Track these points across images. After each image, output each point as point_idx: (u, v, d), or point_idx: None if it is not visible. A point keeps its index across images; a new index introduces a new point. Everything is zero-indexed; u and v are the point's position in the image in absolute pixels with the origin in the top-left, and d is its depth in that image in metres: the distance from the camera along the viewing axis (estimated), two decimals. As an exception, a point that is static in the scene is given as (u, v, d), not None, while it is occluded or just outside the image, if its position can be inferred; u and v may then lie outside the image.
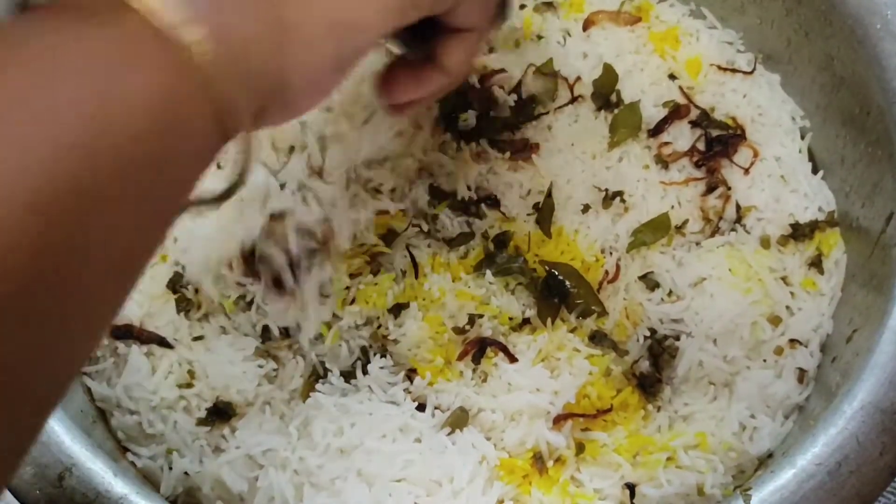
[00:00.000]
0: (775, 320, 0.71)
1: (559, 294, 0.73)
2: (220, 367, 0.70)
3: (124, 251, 0.36)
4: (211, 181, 0.42)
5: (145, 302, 0.71)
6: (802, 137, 0.80)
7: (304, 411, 0.68)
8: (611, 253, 0.76)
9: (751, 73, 0.83)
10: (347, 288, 0.72)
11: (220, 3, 0.38)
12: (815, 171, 0.78)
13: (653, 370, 0.71)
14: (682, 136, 0.81)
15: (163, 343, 0.70)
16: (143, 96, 0.35)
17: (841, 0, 0.72)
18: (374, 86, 0.60)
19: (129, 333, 0.70)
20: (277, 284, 0.67)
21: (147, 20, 0.36)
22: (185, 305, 0.72)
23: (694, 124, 0.81)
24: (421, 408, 0.68)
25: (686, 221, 0.76)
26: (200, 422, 0.68)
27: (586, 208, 0.77)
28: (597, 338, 0.72)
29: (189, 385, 0.69)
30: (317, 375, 0.71)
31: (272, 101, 0.43)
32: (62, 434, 0.59)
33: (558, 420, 0.67)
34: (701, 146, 0.80)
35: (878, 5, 0.70)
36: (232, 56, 0.38)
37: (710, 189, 0.78)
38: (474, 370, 0.70)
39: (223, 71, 0.37)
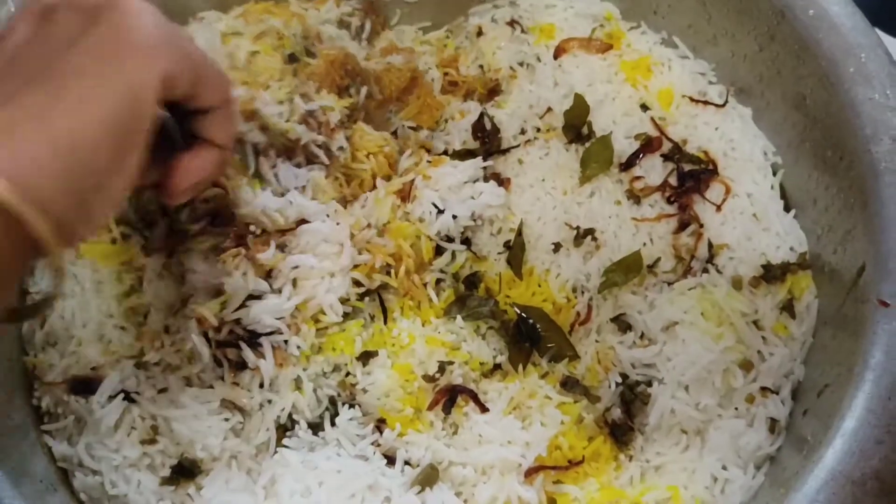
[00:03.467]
0: (747, 365, 0.70)
1: (531, 338, 0.72)
2: (184, 421, 0.68)
3: None
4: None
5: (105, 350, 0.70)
6: (774, 174, 0.79)
7: (271, 468, 0.66)
8: (582, 293, 0.75)
9: (723, 105, 0.82)
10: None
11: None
12: (787, 208, 0.77)
13: (625, 417, 0.70)
14: (653, 170, 0.80)
15: (126, 397, 0.69)
16: None
17: (814, 40, 0.71)
18: (157, 188, 0.61)
19: (88, 388, 0.68)
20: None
21: None
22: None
23: (666, 158, 0.80)
24: (390, 461, 0.67)
25: (658, 260, 0.76)
26: (165, 481, 0.67)
27: (557, 247, 0.76)
28: (568, 384, 0.71)
29: (153, 441, 0.68)
30: (284, 428, 0.70)
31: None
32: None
33: (530, 473, 0.66)
34: (673, 181, 0.79)
35: (852, 47, 0.69)
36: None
37: (683, 226, 0.77)
38: (445, 419, 0.69)
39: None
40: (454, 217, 0.74)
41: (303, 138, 0.74)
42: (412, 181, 0.75)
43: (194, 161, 0.60)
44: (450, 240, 0.75)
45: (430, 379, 0.71)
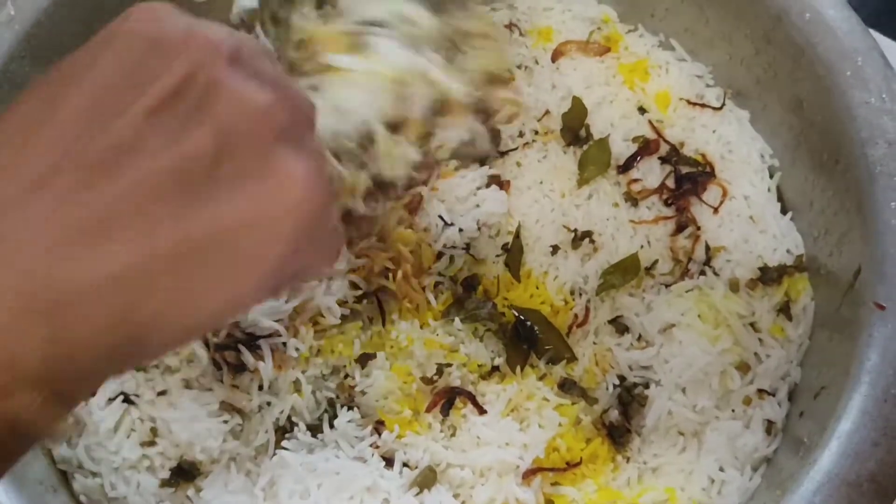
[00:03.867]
0: (744, 367, 0.71)
1: (528, 340, 0.73)
2: (183, 423, 0.68)
3: None
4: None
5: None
6: (771, 176, 0.79)
7: (270, 470, 0.67)
8: (580, 295, 0.75)
9: (720, 108, 0.82)
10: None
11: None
12: (783, 211, 0.78)
13: (622, 419, 0.70)
14: (651, 173, 0.80)
15: (125, 399, 0.69)
16: None
17: (810, 44, 0.71)
18: None
19: (89, 390, 0.68)
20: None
21: None
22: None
23: (663, 160, 0.81)
24: (389, 463, 0.67)
25: (656, 262, 0.76)
26: (164, 483, 0.67)
27: (555, 249, 0.77)
28: (566, 386, 0.72)
29: (152, 443, 0.68)
30: (283, 430, 0.70)
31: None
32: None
33: (527, 475, 0.67)
34: (670, 183, 0.80)
35: (848, 52, 0.69)
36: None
37: (680, 228, 0.77)
38: (443, 421, 0.70)
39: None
40: (460, 230, 0.75)
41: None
42: (420, 195, 0.75)
43: None
44: (453, 247, 0.75)
45: (428, 381, 0.71)
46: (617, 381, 0.71)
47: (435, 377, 0.71)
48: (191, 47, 0.37)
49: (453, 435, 0.69)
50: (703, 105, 0.83)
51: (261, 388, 0.69)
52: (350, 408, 0.70)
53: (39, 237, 0.33)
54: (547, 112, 0.83)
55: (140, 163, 0.35)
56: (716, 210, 0.78)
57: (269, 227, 0.37)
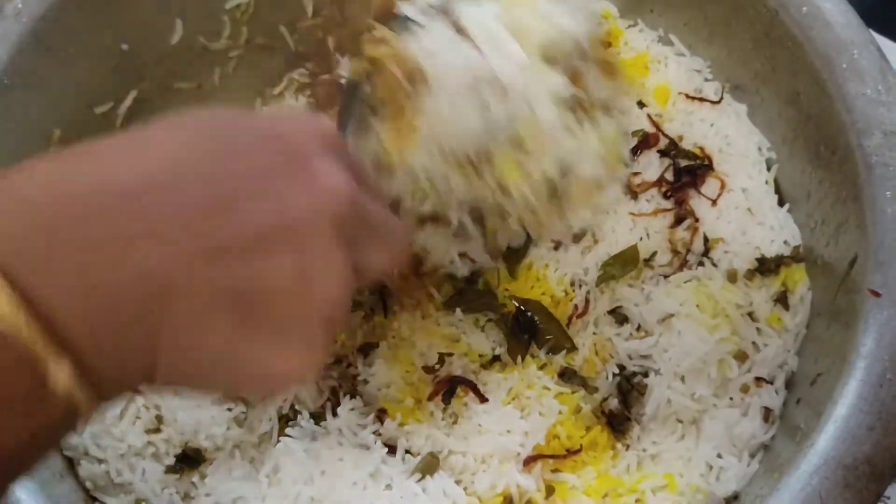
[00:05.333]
0: (742, 356, 0.71)
1: (529, 331, 0.73)
2: (188, 411, 0.69)
3: None
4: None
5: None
6: (769, 169, 0.80)
7: (274, 457, 0.68)
8: (580, 286, 0.76)
9: (718, 102, 0.83)
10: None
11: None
12: (781, 203, 0.78)
13: (622, 408, 0.71)
14: (650, 166, 0.81)
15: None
16: None
17: (807, 37, 0.72)
18: None
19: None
20: None
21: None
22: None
23: (662, 154, 0.81)
24: (391, 450, 0.68)
25: (655, 253, 0.77)
26: (169, 469, 0.68)
27: (557, 245, 0.77)
28: (566, 375, 0.72)
29: (157, 430, 0.69)
30: (287, 418, 0.71)
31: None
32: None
33: (528, 462, 0.68)
34: (669, 176, 0.80)
35: (844, 45, 0.70)
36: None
37: (679, 220, 0.78)
38: (444, 410, 0.70)
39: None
40: None
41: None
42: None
43: None
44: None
45: (429, 370, 0.72)
46: (616, 371, 0.72)
47: (436, 366, 0.72)
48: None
49: (455, 423, 0.70)
50: (701, 99, 0.83)
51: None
52: (353, 396, 0.71)
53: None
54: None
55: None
56: (714, 202, 0.79)
57: (277, 371, 0.42)
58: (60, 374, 0.34)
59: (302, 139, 0.43)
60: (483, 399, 0.70)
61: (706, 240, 0.77)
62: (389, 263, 0.49)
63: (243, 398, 0.69)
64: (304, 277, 0.40)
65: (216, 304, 0.38)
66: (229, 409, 0.70)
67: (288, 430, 0.69)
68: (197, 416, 0.69)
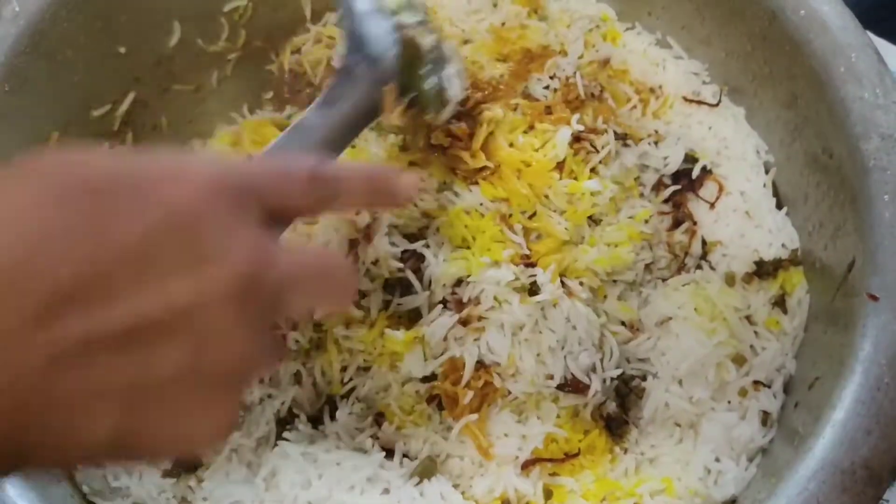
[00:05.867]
0: (740, 360, 0.71)
1: (528, 333, 0.73)
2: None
3: None
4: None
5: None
6: (766, 172, 0.80)
7: (271, 461, 0.67)
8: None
9: (716, 105, 0.83)
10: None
11: None
12: (779, 206, 0.78)
13: (620, 411, 0.71)
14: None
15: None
16: None
17: (805, 40, 0.72)
18: None
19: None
20: None
21: None
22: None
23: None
24: (389, 454, 0.68)
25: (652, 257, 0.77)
26: (166, 473, 0.68)
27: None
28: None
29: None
30: (284, 421, 0.71)
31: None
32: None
33: (526, 466, 0.67)
34: (667, 179, 0.80)
35: (842, 48, 0.70)
36: None
37: (677, 223, 0.78)
38: (442, 413, 0.70)
39: None
40: None
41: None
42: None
43: None
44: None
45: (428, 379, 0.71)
46: (614, 374, 0.72)
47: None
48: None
49: (453, 426, 0.70)
50: (699, 102, 0.83)
51: (262, 380, 0.70)
52: (350, 400, 0.71)
53: None
54: (546, 109, 0.84)
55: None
56: (712, 205, 0.78)
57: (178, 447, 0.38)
58: None
59: (195, 199, 0.36)
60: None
61: (704, 243, 0.77)
62: (331, 306, 0.45)
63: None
64: (196, 365, 0.35)
65: (90, 405, 0.33)
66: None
67: (285, 434, 0.69)
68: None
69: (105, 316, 0.33)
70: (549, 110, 0.76)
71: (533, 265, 0.70)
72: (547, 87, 0.78)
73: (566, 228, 0.71)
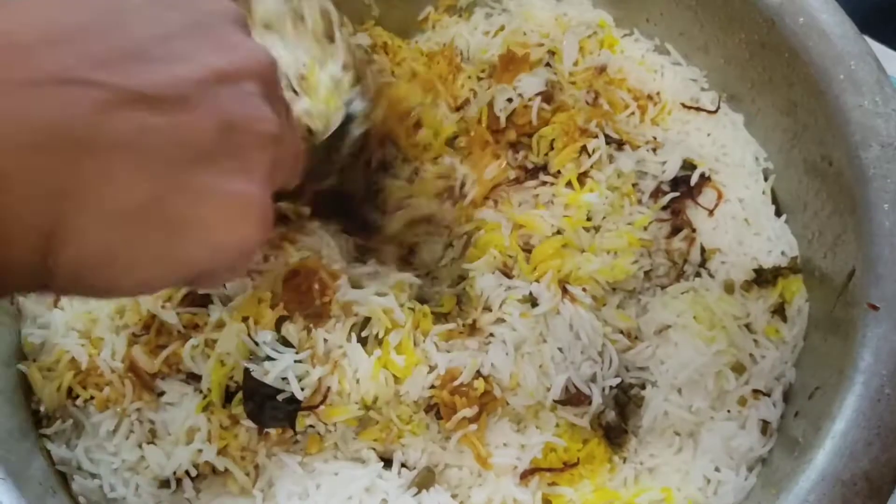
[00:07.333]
0: (739, 368, 0.71)
1: (526, 342, 0.73)
2: (181, 424, 0.68)
3: None
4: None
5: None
6: (765, 179, 0.80)
7: (268, 471, 0.67)
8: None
9: (715, 112, 0.83)
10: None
11: None
12: (778, 213, 0.78)
13: (619, 420, 0.71)
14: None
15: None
16: None
17: (804, 48, 0.72)
18: None
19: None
20: None
21: None
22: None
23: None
24: (387, 464, 0.68)
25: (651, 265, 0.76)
26: (163, 484, 0.67)
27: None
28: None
29: (150, 444, 0.68)
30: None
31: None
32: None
33: (525, 475, 0.67)
34: (666, 186, 0.80)
35: (841, 56, 0.70)
36: None
37: (676, 231, 0.78)
38: (440, 423, 0.70)
39: None
40: None
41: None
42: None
43: None
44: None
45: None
46: (613, 382, 0.72)
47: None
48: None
49: (451, 436, 0.69)
50: (698, 109, 0.83)
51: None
52: (348, 409, 0.70)
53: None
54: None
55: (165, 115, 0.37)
56: (711, 213, 0.78)
57: (218, 232, 0.40)
58: None
59: (215, 12, 0.42)
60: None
61: (703, 250, 0.77)
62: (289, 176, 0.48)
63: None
64: (231, 125, 0.39)
65: (129, 156, 0.36)
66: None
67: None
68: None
69: (151, 72, 0.37)
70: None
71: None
72: (510, 101, 0.78)
73: (552, 225, 0.72)
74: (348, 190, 0.69)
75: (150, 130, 0.37)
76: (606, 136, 0.78)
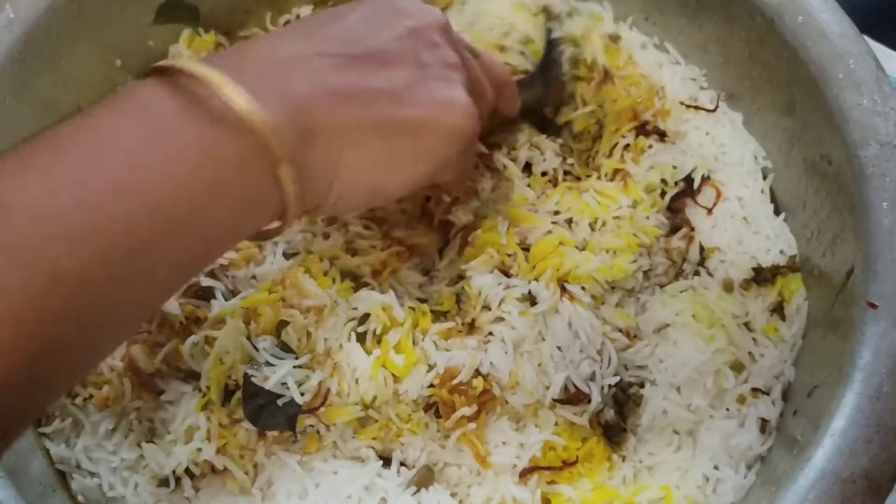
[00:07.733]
0: (738, 367, 0.71)
1: (525, 341, 0.73)
2: (181, 422, 0.68)
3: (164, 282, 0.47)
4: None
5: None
6: (764, 178, 0.80)
7: (267, 470, 0.67)
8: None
9: (714, 110, 0.83)
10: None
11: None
12: (777, 212, 0.78)
13: (618, 419, 0.71)
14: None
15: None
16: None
17: (803, 46, 0.72)
18: None
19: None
20: None
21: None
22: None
23: (658, 162, 0.81)
24: (386, 462, 0.68)
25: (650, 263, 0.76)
26: (162, 483, 0.67)
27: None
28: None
29: (150, 443, 0.68)
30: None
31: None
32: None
33: (524, 474, 0.67)
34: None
35: (841, 55, 0.70)
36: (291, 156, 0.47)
37: (674, 229, 0.78)
38: (440, 421, 0.70)
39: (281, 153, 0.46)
40: None
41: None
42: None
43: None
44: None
45: (424, 384, 0.71)
46: (612, 381, 0.72)
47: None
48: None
49: (450, 435, 0.69)
50: (696, 107, 0.83)
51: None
52: (347, 408, 0.70)
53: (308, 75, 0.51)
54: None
55: (382, 69, 0.54)
56: (710, 211, 0.78)
57: (442, 134, 0.56)
58: (286, 170, 0.46)
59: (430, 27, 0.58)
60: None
61: (702, 249, 0.77)
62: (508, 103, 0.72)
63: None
64: (427, 65, 0.56)
65: (369, 95, 0.53)
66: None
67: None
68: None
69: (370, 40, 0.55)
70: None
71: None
72: None
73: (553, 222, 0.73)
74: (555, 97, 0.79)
75: (376, 77, 0.53)
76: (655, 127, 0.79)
